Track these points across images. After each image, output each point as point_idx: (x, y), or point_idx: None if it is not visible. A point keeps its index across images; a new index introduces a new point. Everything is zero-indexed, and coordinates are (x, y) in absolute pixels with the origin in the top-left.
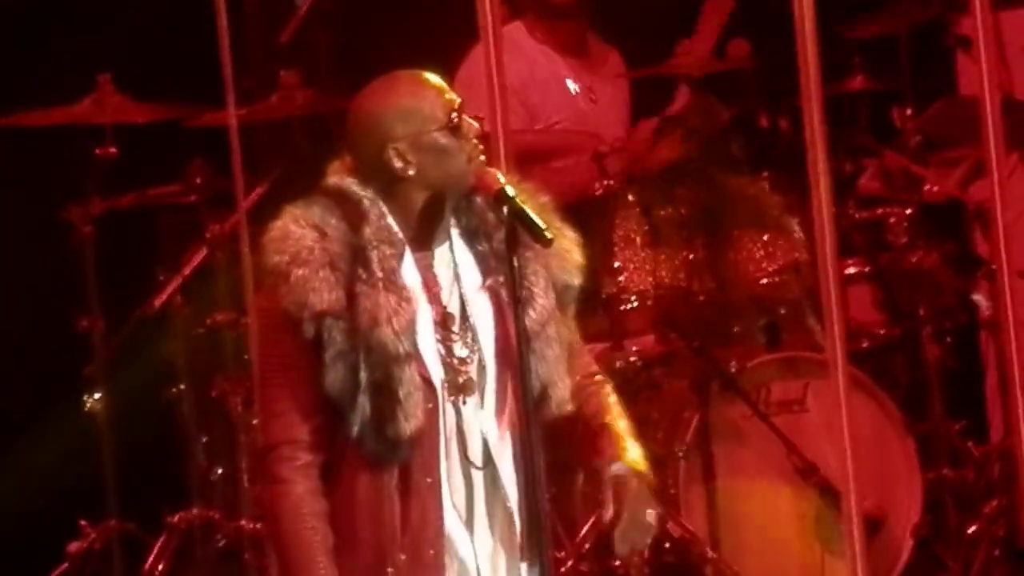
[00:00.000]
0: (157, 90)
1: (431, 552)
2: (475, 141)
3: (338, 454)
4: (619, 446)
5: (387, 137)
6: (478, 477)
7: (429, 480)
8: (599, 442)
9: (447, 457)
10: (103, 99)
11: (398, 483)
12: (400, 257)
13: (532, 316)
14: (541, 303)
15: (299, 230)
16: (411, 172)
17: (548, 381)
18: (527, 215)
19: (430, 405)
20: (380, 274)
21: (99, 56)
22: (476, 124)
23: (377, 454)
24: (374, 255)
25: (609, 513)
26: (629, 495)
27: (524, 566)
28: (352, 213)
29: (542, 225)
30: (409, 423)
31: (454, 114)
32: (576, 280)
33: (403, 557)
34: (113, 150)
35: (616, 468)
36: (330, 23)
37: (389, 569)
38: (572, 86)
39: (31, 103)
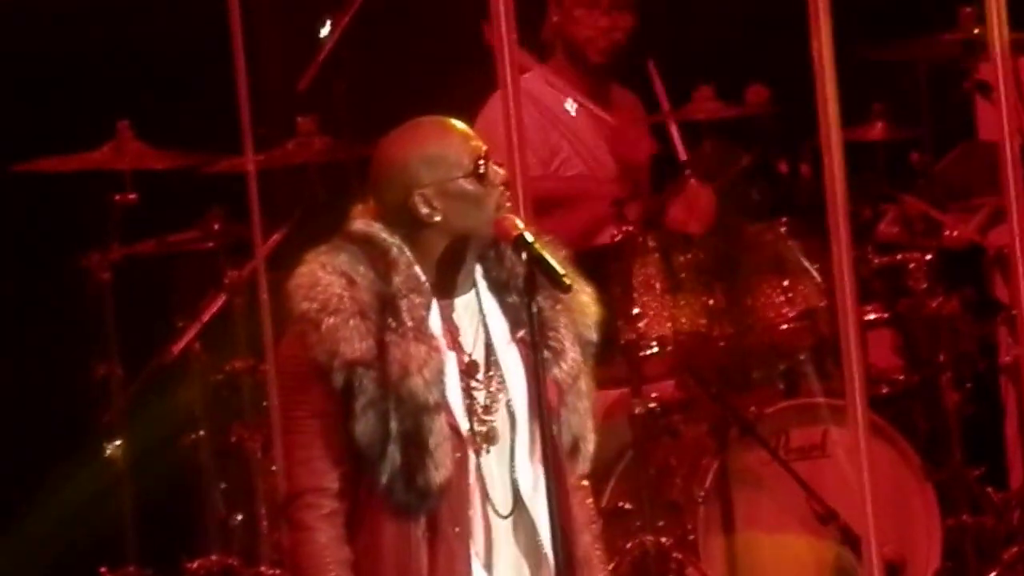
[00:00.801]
0: (175, 137)
1: None
2: (501, 188)
3: (363, 502)
4: None
5: (413, 183)
6: (500, 525)
7: (457, 529)
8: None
9: (471, 506)
10: (122, 146)
11: (425, 532)
12: (428, 306)
13: (564, 369)
14: (571, 356)
15: (327, 277)
16: (437, 219)
17: (579, 435)
18: (546, 261)
19: (458, 454)
20: (410, 323)
21: (118, 103)
22: (502, 171)
23: (406, 503)
24: (403, 304)
25: None
26: None
27: None
28: (379, 260)
29: (560, 271)
30: (439, 473)
31: (480, 161)
32: (595, 336)
33: None
34: (132, 196)
35: None
36: (347, 70)
37: None
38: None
39: (50, 150)
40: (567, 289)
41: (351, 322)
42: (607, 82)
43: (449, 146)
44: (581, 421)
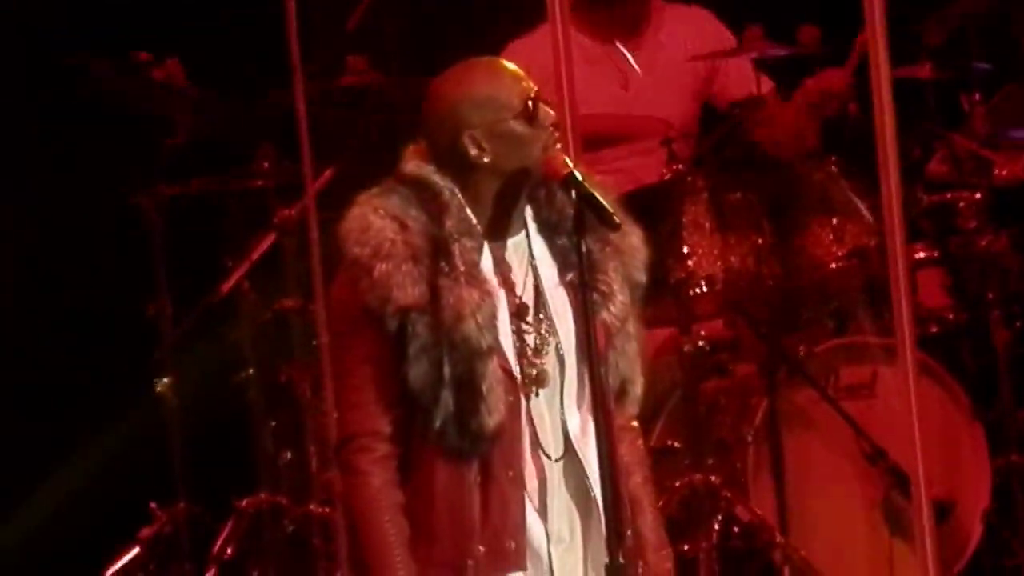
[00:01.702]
0: (226, 76)
1: (512, 544)
2: (551, 129)
3: (415, 447)
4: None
5: (463, 124)
6: (551, 468)
7: (511, 473)
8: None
9: (523, 449)
10: (173, 82)
11: (478, 476)
12: (480, 250)
13: (613, 311)
14: (620, 299)
15: (379, 221)
16: (486, 159)
17: (628, 378)
18: (595, 199)
19: (511, 398)
20: (462, 268)
21: (168, 43)
22: (552, 112)
23: (459, 448)
24: (456, 248)
25: None
26: None
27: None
28: (432, 203)
29: (610, 209)
30: (492, 417)
31: (530, 102)
32: (644, 278)
33: (482, 549)
34: (182, 137)
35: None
36: (396, 9)
37: (469, 561)
38: (600, 73)
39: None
40: (617, 227)
41: (403, 267)
42: (639, 10)
43: (499, 87)
44: (630, 364)
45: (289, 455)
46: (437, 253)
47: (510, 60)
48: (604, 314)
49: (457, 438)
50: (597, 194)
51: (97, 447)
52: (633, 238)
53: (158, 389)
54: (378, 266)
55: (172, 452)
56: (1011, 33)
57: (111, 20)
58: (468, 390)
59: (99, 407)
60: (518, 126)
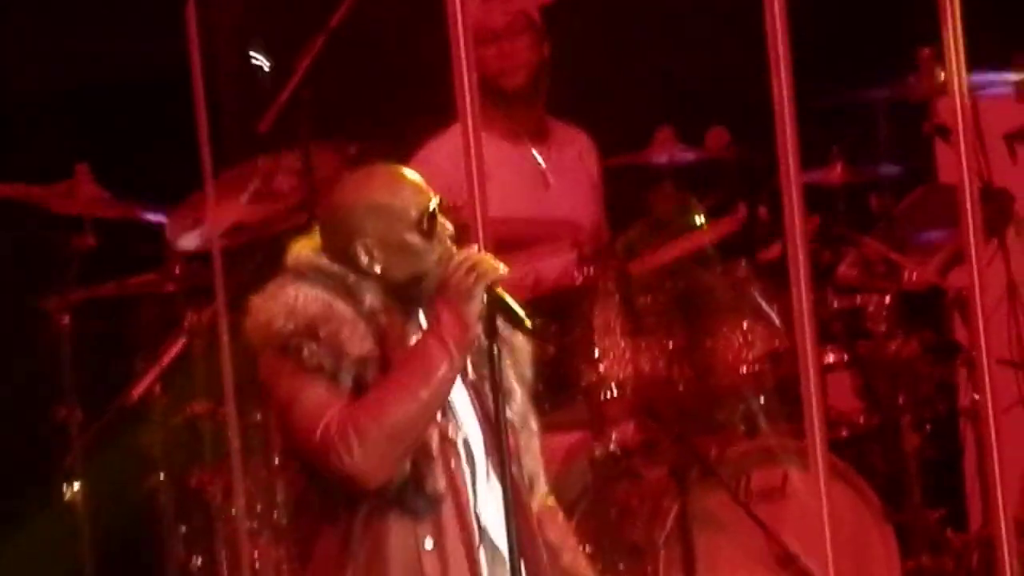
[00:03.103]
0: (135, 182)
1: None
2: (447, 243)
3: (367, 513)
4: None
5: (356, 232)
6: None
7: (464, 534)
8: None
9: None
10: (79, 190)
11: (431, 537)
12: (406, 318)
13: (514, 409)
14: (519, 396)
15: (302, 299)
16: (376, 268)
17: (533, 473)
18: (506, 302)
19: (454, 462)
20: (398, 331)
21: (77, 148)
22: (450, 226)
23: (414, 509)
24: (382, 318)
25: None
26: None
27: None
28: (340, 288)
29: (521, 312)
30: (442, 480)
31: (428, 215)
32: (531, 375)
33: None
34: (91, 241)
35: None
36: (309, 110)
37: None
38: (521, 174)
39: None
40: (529, 331)
41: (346, 327)
42: (541, 120)
43: (396, 197)
44: (535, 459)
45: (200, 560)
46: (369, 323)
47: (424, 161)
48: (507, 412)
49: (414, 499)
50: (507, 297)
51: (5, 555)
52: (518, 336)
53: (67, 496)
54: (322, 328)
55: (82, 558)
56: (921, 132)
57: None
58: (422, 453)
59: (7, 514)
60: (412, 238)
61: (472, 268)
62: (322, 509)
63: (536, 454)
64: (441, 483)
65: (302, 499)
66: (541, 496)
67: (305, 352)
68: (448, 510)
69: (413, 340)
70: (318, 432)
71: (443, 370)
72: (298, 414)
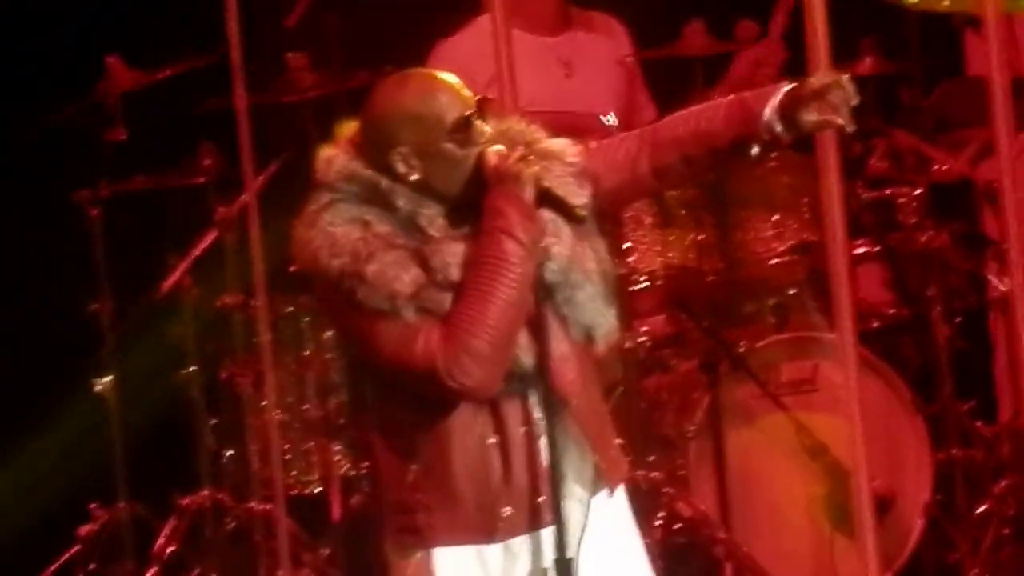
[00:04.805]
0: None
1: (540, 499)
2: (485, 146)
3: (426, 419)
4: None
5: (393, 141)
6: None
7: (524, 429)
8: (726, 112)
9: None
10: (114, 82)
11: (495, 436)
12: (442, 213)
13: (553, 269)
14: (556, 251)
15: (339, 229)
16: (414, 178)
17: (589, 323)
18: (555, 194)
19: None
20: (436, 233)
21: (108, 40)
22: (487, 129)
23: (475, 405)
24: (421, 219)
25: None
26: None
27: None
28: (374, 195)
29: (570, 202)
30: (527, 355)
31: (464, 121)
32: (585, 196)
33: (509, 511)
34: (122, 135)
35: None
36: (336, 5)
37: (499, 524)
38: (543, 66)
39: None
40: (582, 219)
41: (388, 259)
42: (564, 9)
43: (432, 105)
44: (585, 310)
45: (230, 452)
46: (406, 230)
47: (438, 62)
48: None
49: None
50: (555, 188)
51: (38, 446)
52: (557, 169)
53: (98, 388)
54: (367, 268)
55: (112, 450)
56: (951, 25)
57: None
58: None
59: (39, 406)
60: (449, 146)
61: (523, 157)
62: (380, 408)
63: (586, 303)
64: (526, 358)
65: (355, 399)
66: (604, 337)
67: (359, 295)
68: (509, 404)
69: (450, 231)
70: (419, 361)
71: (523, 265)
72: (385, 348)
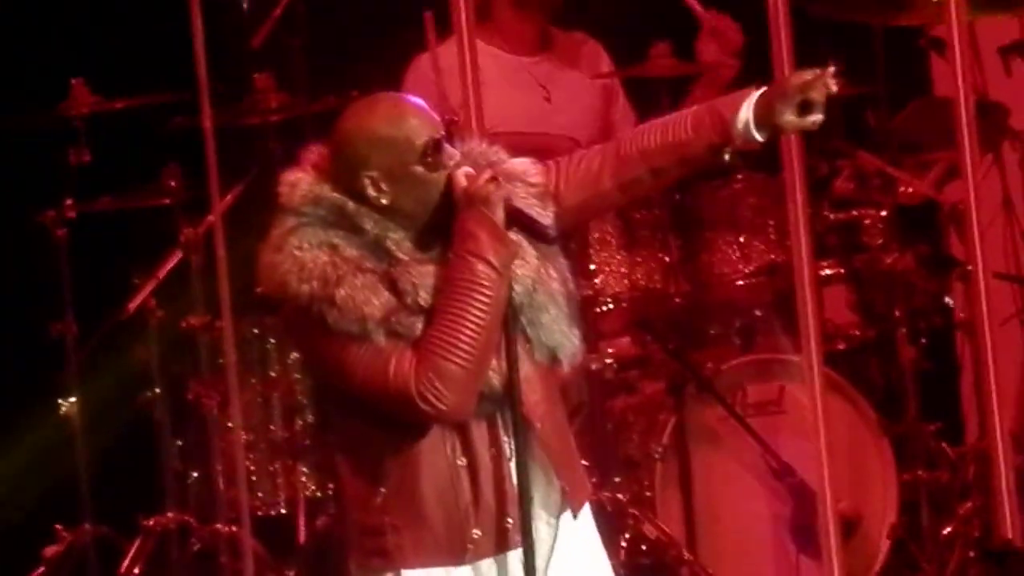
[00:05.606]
0: (131, 92)
1: (509, 521)
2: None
3: (396, 440)
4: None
5: (362, 165)
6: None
7: (494, 450)
8: (696, 120)
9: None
10: (77, 103)
11: (462, 458)
12: (408, 238)
13: (517, 291)
14: (521, 273)
15: (308, 254)
16: (384, 202)
17: (553, 344)
18: (526, 214)
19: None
20: (404, 256)
21: (74, 62)
22: (456, 152)
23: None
24: (388, 243)
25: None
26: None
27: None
28: (341, 219)
29: (541, 221)
30: (495, 377)
31: (433, 145)
32: (550, 216)
33: (478, 533)
34: (87, 155)
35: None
36: (303, 26)
37: (469, 546)
38: (522, 86)
39: (5, 108)
40: (552, 240)
41: (357, 283)
42: (545, 31)
43: (402, 128)
44: (550, 330)
45: (195, 473)
46: (374, 253)
47: (416, 73)
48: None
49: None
50: (525, 208)
51: (2, 467)
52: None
53: (63, 410)
54: (337, 293)
55: (77, 472)
56: (918, 46)
57: (18, 40)
58: None
59: (4, 427)
60: (419, 169)
61: (492, 179)
62: (346, 430)
63: (552, 324)
64: (496, 379)
65: (321, 420)
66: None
67: (330, 319)
68: (477, 426)
69: (417, 253)
70: (392, 385)
71: (495, 288)
72: (357, 373)
